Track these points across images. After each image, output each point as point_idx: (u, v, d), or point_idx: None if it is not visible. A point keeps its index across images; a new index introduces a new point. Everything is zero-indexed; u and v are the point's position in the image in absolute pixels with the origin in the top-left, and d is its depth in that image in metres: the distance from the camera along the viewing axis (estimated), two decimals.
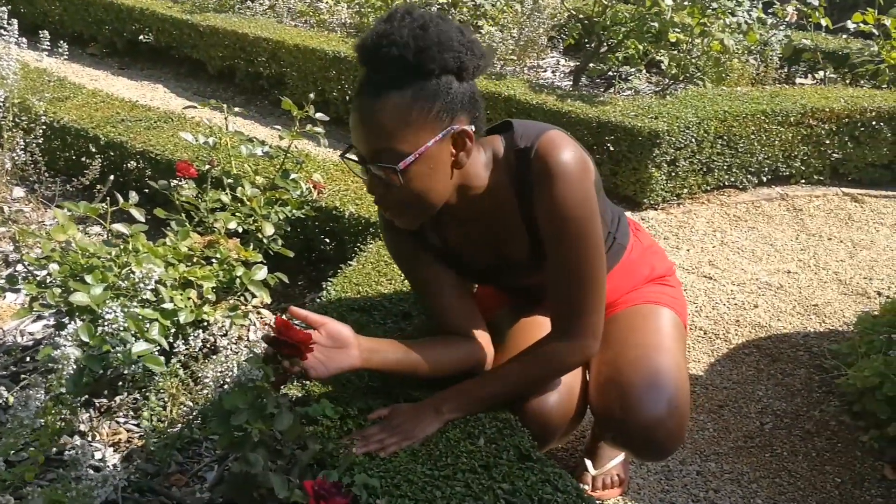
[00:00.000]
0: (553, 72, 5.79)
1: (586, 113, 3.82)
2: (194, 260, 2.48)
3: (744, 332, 2.99)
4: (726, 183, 4.08)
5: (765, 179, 4.15)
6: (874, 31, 4.68)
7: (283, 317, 1.50)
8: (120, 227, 2.26)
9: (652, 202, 3.85)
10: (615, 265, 1.89)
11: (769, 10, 4.94)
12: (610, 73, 5.03)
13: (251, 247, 2.67)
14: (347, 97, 4.63)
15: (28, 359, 2.55)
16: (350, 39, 4.89)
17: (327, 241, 2.93)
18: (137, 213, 2.51)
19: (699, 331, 2.98)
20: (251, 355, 1.49)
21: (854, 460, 2.38)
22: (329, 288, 2.27)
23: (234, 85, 5.23)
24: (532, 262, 1.74)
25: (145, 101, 4.98)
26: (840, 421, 2.54)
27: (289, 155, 2.89)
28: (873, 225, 3.90)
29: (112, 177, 3.03)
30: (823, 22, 4.76)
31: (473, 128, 1.53)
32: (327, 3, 5.28)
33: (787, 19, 4.88)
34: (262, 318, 2.87)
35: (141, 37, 5.51)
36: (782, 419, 2.56)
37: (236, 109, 3.06)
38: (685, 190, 3.94)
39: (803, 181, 4.22)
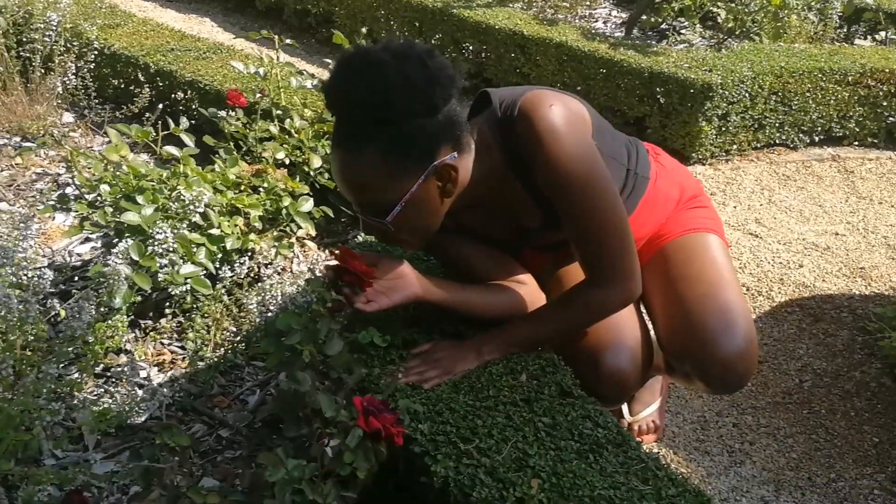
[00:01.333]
0: (604, 22, 5.68)
1: (639, 62, 3.75)
2: (242, 188, 2.50)
3: (787, 290, 2.96)
4: (777, 141, 4.00)
5: (817, 139, 4.07)
6: None
7: (344, 247, 1.51)
8: (171, 149, 2.28)
9: (700, 157, 3.80)
10: (641, 198, 1.84)
11: None
12: (663, 25, 4.92)
13: (298, 178, 2.69)
14: (402, 33, 4.58)
15: (77, 278, 2.59)
16: None
17: None
18: (188, 139, 2.53)
19: (742, 287, 2.95)
20: (311, 277, 1.50)
21: (893, 422, 2.36)
22: (360, 234, 2.27)
23: (282, 21, 5.20)
24: (551, 223, 1.70)
25: (193, 34, 5.00)
26: (881, 383, 2.52)
27: None
28: None
29: (161, 105, 3.05)
30: None
31: (456, 154, 1.49)
32: None
33: None
34: (306, 250, 2.90)
35: None
36: (822, 378, 2.54)
37: (287, 41, 3.04)
38: (735, 146, 3.88)
39: (857, 143, 4.13)
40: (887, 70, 3.94)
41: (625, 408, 2.20)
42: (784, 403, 2.42)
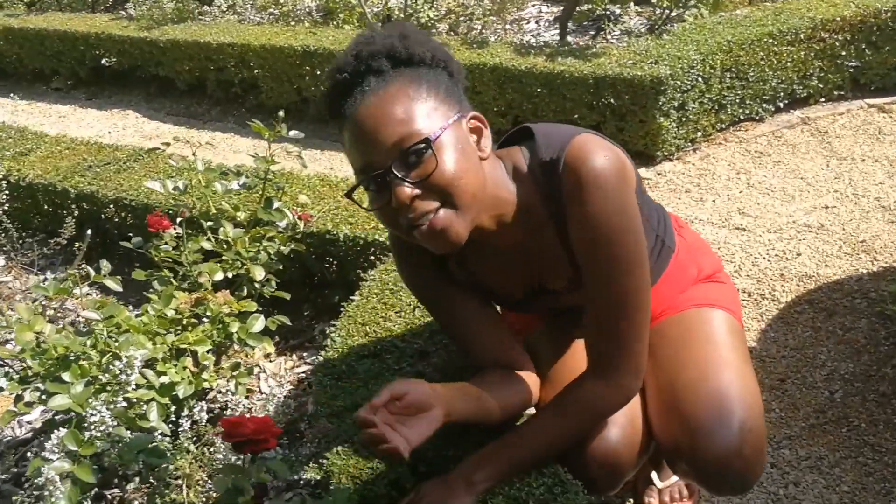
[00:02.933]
0: (536, 21, 5.47)
1: (580, 70, 3.52)
2: (184, 322, 2.25)
3: (791, 286, 2.74)
4: (742, 117, 3.79)
5: (782, 105, 3.86)
6: None
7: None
8: (91, 314, 2.03)
9: (666, 153, 3.58)
10: (665, 270, 1.65)
11: None
12: (597, 14, 4.71)
13: (245, 291, 2.45)
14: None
15: (30, 454, 2.36)
16: (318, 29, 4.60)
17: (326, 265, 2.70)
18: (113, 283, 2.28)
19: (743, 294, 2.73)
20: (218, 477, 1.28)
21: None
22: (333, 335, 2.04)
23: (207, 97, 4.96)
24: (573, 286, 1.51)
25: (117, 131, 4.76)
26: None
27: (269, 180, 2.64)
28: None
29: (90, 231, 2.81)
30: None
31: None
32: None
33: None
34: (271, 357, 2.66)
35: (104, 60, 5.24)
36: (852, 384, 2.32)
37: (206, 138, 2.80)
38: (699, 133, 3.66)
39: (823, 99, 3.92)
40: (838, 18, 3.73)
41: (654, 474, 1.98)
42: (820, 425, 2.20)
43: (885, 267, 2.78)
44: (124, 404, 1.89)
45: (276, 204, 2.57)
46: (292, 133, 2.60)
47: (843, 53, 3.81)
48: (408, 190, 1.25)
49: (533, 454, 1.47)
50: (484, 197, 1.34)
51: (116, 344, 1.97)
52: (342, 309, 2.19)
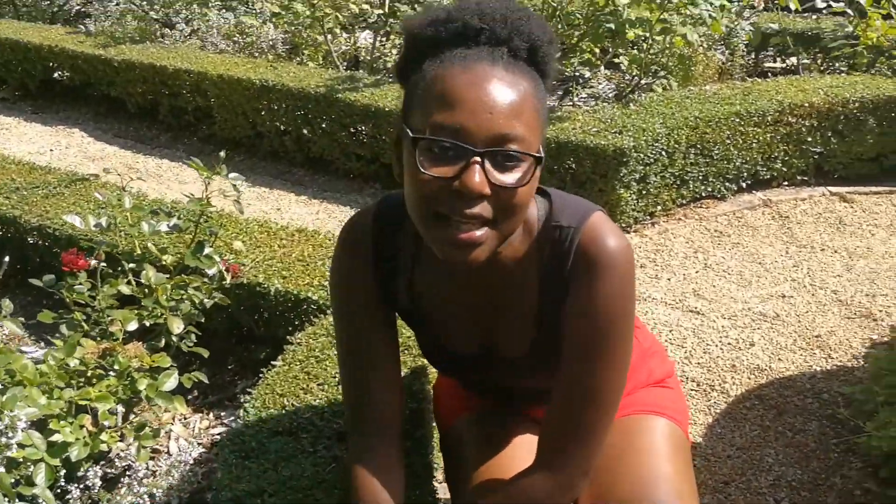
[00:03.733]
0: None
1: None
2: (88, 374, 2.06)
3: (742, 378, 2.62)
4: (703, 194, 3.71)
5: (744, 185, 3.79)
6: (847, 10, 4.33)
7: None
8: None
9: (623, 225, 3.48)
10: None
11: None
12: (567, 74, 4.64)
13: (162, 342, 2.27)
14: (282, 126, 4.20)
15: None
16: (280, 64, 4.46)
17: (256, 318, 2.52)
18: (14, 326, 2.09)
19: (692, 383, 2.61)
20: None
21: None
22: (247, 405, 1.87)
23: (158, 122, 4.77)
24: (528, 361, 1.35)
25: (59, 150, 4.56)
26: (865, 489, 2.18)
27: (202, 224, 2.47)
28: (867, 228, 3.55)
29: (7, 258, 2.60)
30: (792, 5, 4.39)
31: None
32: (252, 23, 4.83)
33: (753, 3, 4.51)
34: (186, 418, 2.47)
35: (56, 74, 5.04)
36: (799, 492, 2.19)
37: (152, 164, 2.62)
38: (658, 207, 3.57)
39: (786, 183, 3.87)
40: (807, 104, 3.69)
41: None
42: None
43: (839, 366, 2.68)
44: (12, 453, 1.69)
45: (207, 250, 2.40)
46: (232, 175, 2.44)
47: (809, 139, 3.77)
48: (485, 185, 1.07)
49: None
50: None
51: (2, 400, 1.77)
52: (262, 373, 2.02)
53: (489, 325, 1.35)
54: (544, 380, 1.34)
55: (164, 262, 2.41)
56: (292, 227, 2.79)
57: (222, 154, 2.43)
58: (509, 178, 1.08)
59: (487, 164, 1.06)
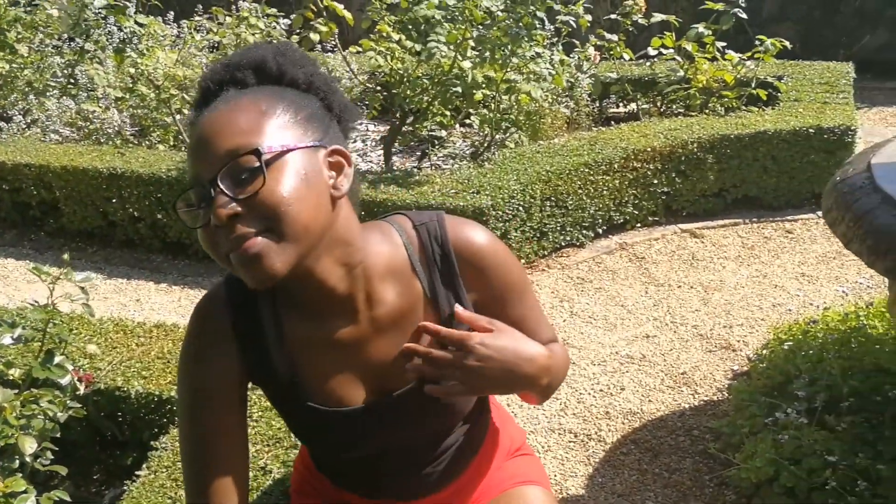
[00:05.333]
0: (364, 140, 5.44)
1: (403, 199, 3.45)
2: None
3: (616, 425, 2.68)
4: (563, 243, 3.82)
5: (601, 231, 3.92)
6: (676, 56, 4.60)
7: None
8: None
9: None
10: (485, 437, 1.52)
11: (571, 53, 4.77)
12: (423, 135, 4.71)
13: (16, 463, 2.11)
14: (135, 214, 4.06)
15: None
16: (128, 149, 4.33)
17: (119, 420, 2.39)
18: None
19: (570, 434, 2.65)
20: None
21: None
22: None
23: (1, 219, 4.52)
24: (419, 392, 1.26)
25: None
26: None
27: (50, 333, 2.34)
28: (718, 261, 3.73)
29: None
30: (626, 56, 4.64)
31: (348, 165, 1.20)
32: (95, 109, 4.67)
33: (590, 61, 4.73)
34: None
35: None
36: None
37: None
38: (522, 260, 3.64)
39: (639, 225, 4.03)
40: (649, 148, 3.88)
41: None
42: None
43: (706, 400, 2.78)
44: None
45: (58, 358, 2.26)
46: (79, 277, 2.32)
47: (655, 181, 3.95)
48: (228, 207, 1.06)
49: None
50: (323, 235, 1.14)
51: None
52: (127, 485, 1.91)
53: (382, 359, 1.28)
54: (437, 423, 1.36)
55: (11, 377, 2.26)
56: (150, 322, 2.69)
57: (66, 256, 2.31)
58: (249, 187, 1.08)
59: (226, 187, 1.07)
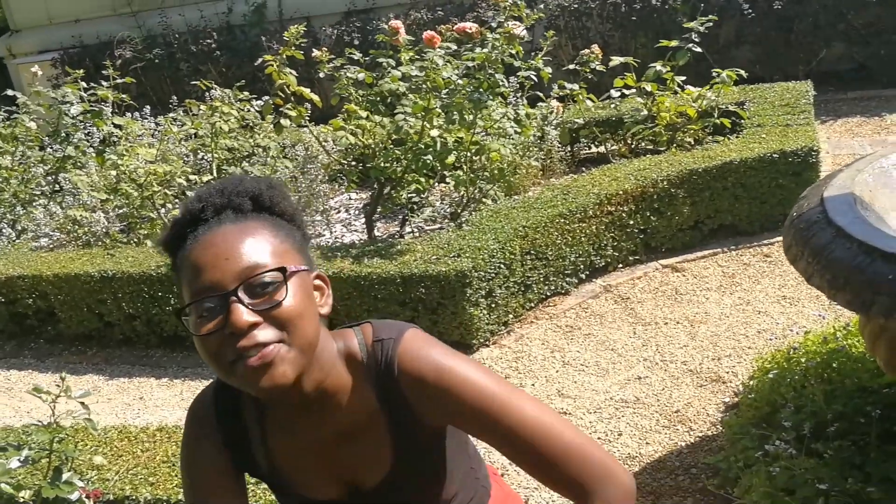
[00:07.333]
0: (347, 210, 5.54)
1: (387, 270, 3.54)
2: None
3: None
4: (548, 293, 3.90)
5: (584, 276, 4.01)
6: (637, 97, 4.72)
7: None
8: None
9: (482, 340, 3.61)
10: None
11: (536, 105, 4.90)
12: (401, 204, 4.81)
13: None
14: (131, 311, 4.15)
15: None
16: (117, 250, 4.43)
17: None
18: None
19: None
20: None
21: None
22: None
23: None
24: (391, 486, 1.38)
25: None
26: None
27: (56, 449, 2.41)
28: (701, 293, 3.81)
29: None
30: (589, 102, 4.77)
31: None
32: (82, 214, 4.78)
33: (553, 113, 4.86)
34: None
35: None
36: None
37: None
38: (510, 315, 3.73)
39: (621, 265, 4.11)
40: (621, 192, 3.98)
41: None
42: None
43: (701, 436, 2.84)
44: None
45: (66, 475, 2.34)
46: (78, 394, 2.41)
47: (631, 222, 4.04)
48: (249, 316, 1.18)
49: None
50: (314, 351, 1.26)
51: None
52: None
53: (350, 466, 1.38)
54: (413, 495, 1.42)
55: (21, 499, 2.33)
56: (153, 425, 2.76)
57: (63, 375, 2.39)
58: (272, 298, 1.20)
59: (244, 298, 1.18)
